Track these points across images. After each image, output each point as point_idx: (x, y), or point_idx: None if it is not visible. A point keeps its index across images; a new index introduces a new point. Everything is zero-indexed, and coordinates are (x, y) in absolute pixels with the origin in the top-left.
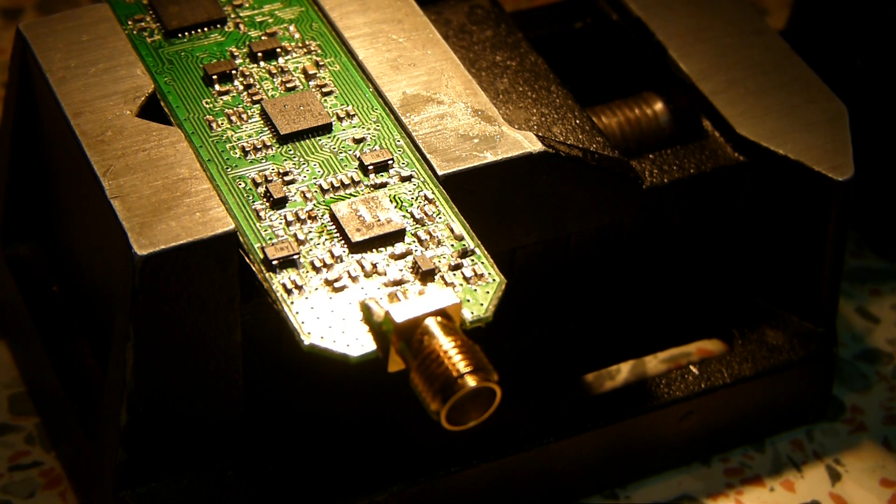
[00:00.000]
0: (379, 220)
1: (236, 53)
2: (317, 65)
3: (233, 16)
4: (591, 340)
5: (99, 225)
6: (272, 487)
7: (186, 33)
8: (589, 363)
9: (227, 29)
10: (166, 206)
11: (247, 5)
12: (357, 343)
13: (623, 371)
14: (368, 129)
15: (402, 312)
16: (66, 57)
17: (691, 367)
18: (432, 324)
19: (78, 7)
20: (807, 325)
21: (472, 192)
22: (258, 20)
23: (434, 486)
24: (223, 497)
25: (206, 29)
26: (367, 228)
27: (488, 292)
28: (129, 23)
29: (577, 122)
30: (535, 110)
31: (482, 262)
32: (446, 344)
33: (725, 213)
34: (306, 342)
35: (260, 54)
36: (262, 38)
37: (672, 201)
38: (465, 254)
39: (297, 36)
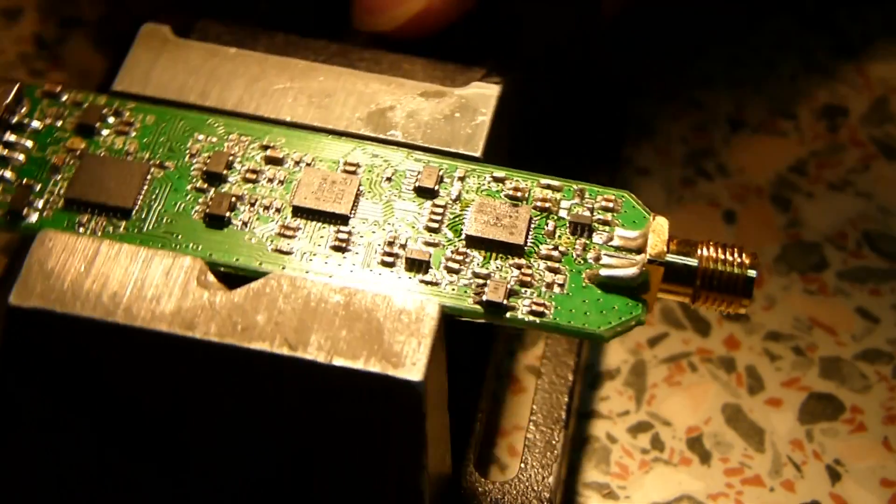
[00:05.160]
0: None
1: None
2: (273, 158)
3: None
4: None
5: None
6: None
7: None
8: None
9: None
10: None
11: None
12: (629, 306)
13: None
14: (380, 165)
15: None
16: None
17: None
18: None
19: None
20: None
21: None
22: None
23: None
24: None
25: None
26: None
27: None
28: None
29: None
30: (433, 72)
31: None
32: (709, 250)
33: None
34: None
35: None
36: (208, 160)
37: None
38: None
39: (226, 141)
